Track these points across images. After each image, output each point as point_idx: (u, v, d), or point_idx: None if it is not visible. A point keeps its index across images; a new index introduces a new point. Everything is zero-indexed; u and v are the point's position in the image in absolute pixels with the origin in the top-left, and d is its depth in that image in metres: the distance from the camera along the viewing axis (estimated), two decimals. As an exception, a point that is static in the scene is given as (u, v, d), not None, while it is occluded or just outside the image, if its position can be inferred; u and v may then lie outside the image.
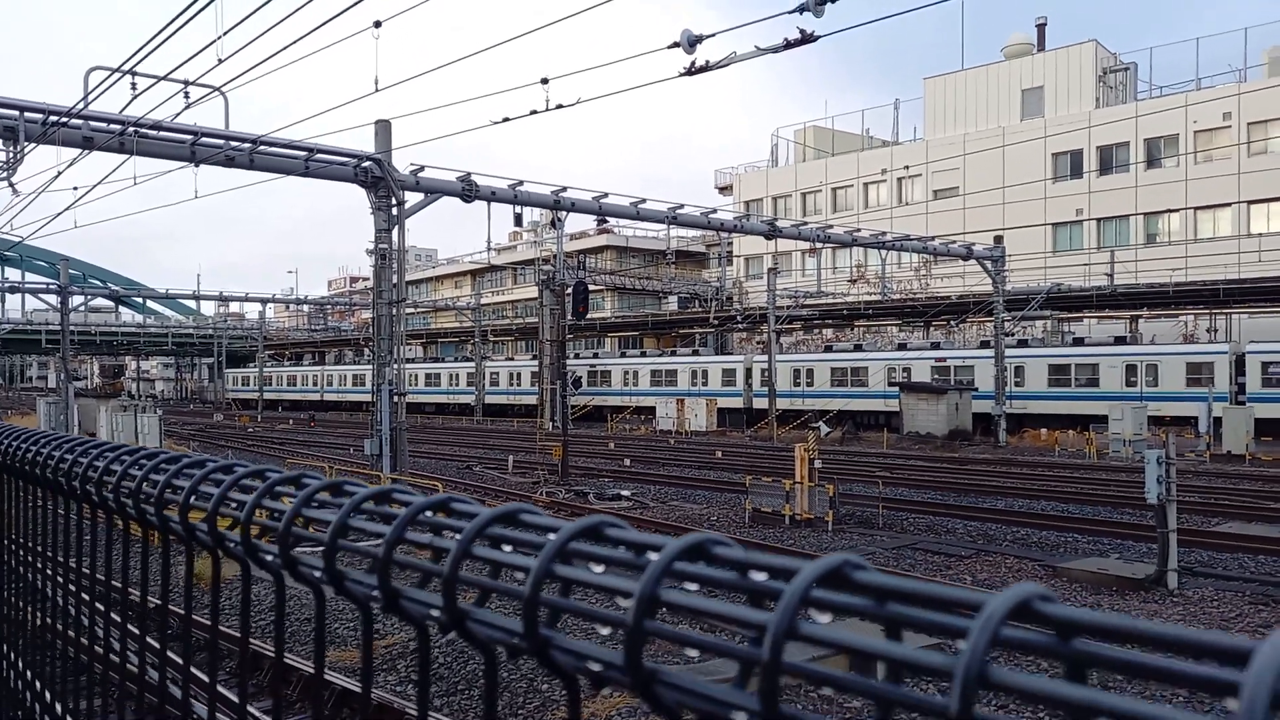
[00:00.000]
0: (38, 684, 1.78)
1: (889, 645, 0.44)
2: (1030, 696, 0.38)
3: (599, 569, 0.56)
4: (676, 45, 13.54)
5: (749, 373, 44.85)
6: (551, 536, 0.56)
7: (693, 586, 0.52)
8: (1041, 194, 47.38)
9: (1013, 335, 37.80)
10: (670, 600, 0.51)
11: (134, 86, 15.88)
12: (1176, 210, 44.68)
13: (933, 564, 13.71)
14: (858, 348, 44.28)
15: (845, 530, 16.19)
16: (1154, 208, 45.35)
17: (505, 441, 36.86)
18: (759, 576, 0.50)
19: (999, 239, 37.50)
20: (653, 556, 0.51)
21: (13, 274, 56.85)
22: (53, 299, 42.29)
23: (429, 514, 0.67)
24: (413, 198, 21.37)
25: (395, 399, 20.98)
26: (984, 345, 38.93)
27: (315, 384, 72.10)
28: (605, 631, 0.55)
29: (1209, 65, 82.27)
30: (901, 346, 42.82)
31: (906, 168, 52.77)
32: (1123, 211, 46.20)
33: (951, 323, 44.82)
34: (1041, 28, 51.56)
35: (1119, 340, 36.66)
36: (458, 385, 59.81)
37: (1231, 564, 13.30)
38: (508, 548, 0.63)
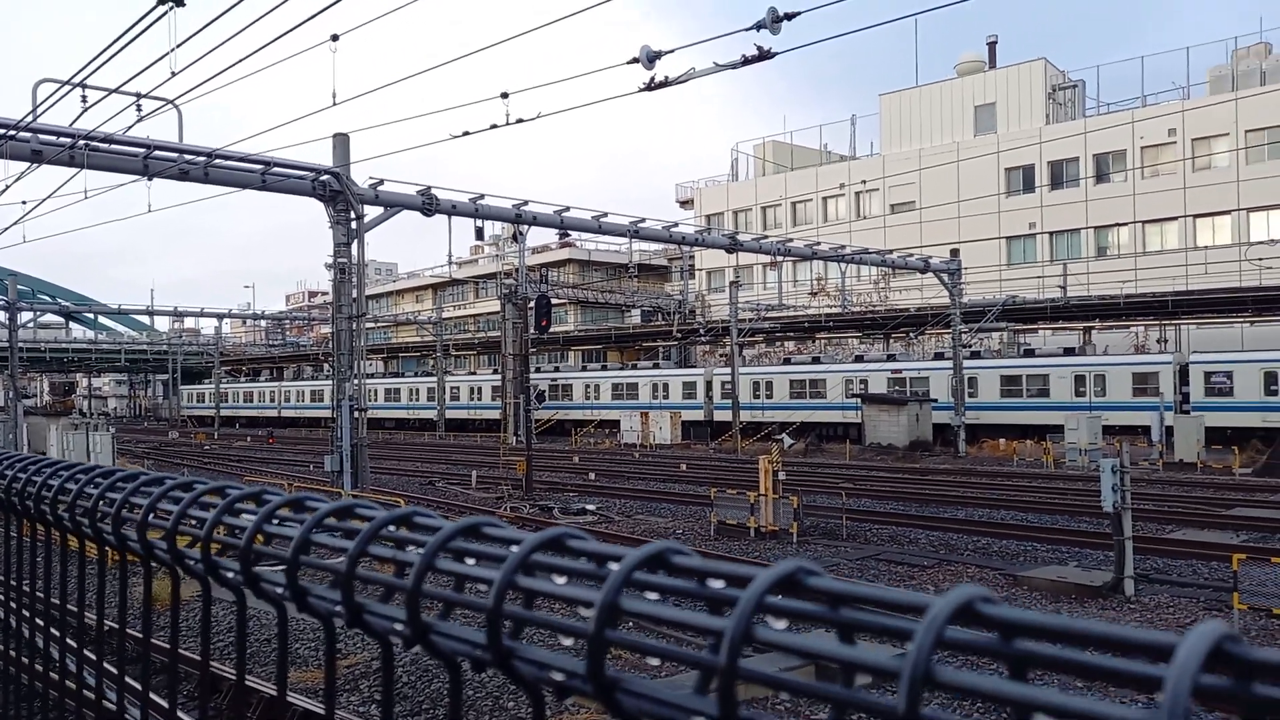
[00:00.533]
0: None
1: (838, 648, 0.45)
2: (975, 694, 0.39)
3: (561, 580, 0.56)
4: (636, 61, 13.63)
5: (709, 385, 45.04)
6: (514, 549, 0.57)
7: (653, 596, 0.53)
8: (995, 208, 48.32)
9: (969, 346, 38.40)
10: (631, 609, 0.52)
11: (84, 99, 15.59)
12: (1125, 224, 45.82)
13: (896, 574, 13.84)
14: (816, 360, 44.71)
15: (810, 542, 16.29)
16: (1104, 221, 46.47)
17: (468, 457, 36.57)
18: (717, 584, 0.51)
19: (955, 252, 38.14)
20: (614, 567, 0.52)
21: (-42, 290, 55.26)
22: (0, 315, 41.24)
23: (392, 528, 0.68)
24: (372, 211, 21.20)
25: (356, 414, 20.74)
26: (939, 356, 39.52)
27: (273, 400, 71.04)
28: (569, 643, 0.56)
29: (1154, 82, 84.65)
30: (859, 359, 43.33)
31: (864, 182, 53.52)
32: (1074, 225, 47.25)
33: (910, 334, 45.43)
34: (992, 46, 52.70)
35: (1068, 351, 37.45)
36: (418, 400, 59.30)
37: (1186, 570, 13.60)
38: (471, 561, 0.63)
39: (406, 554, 0.64)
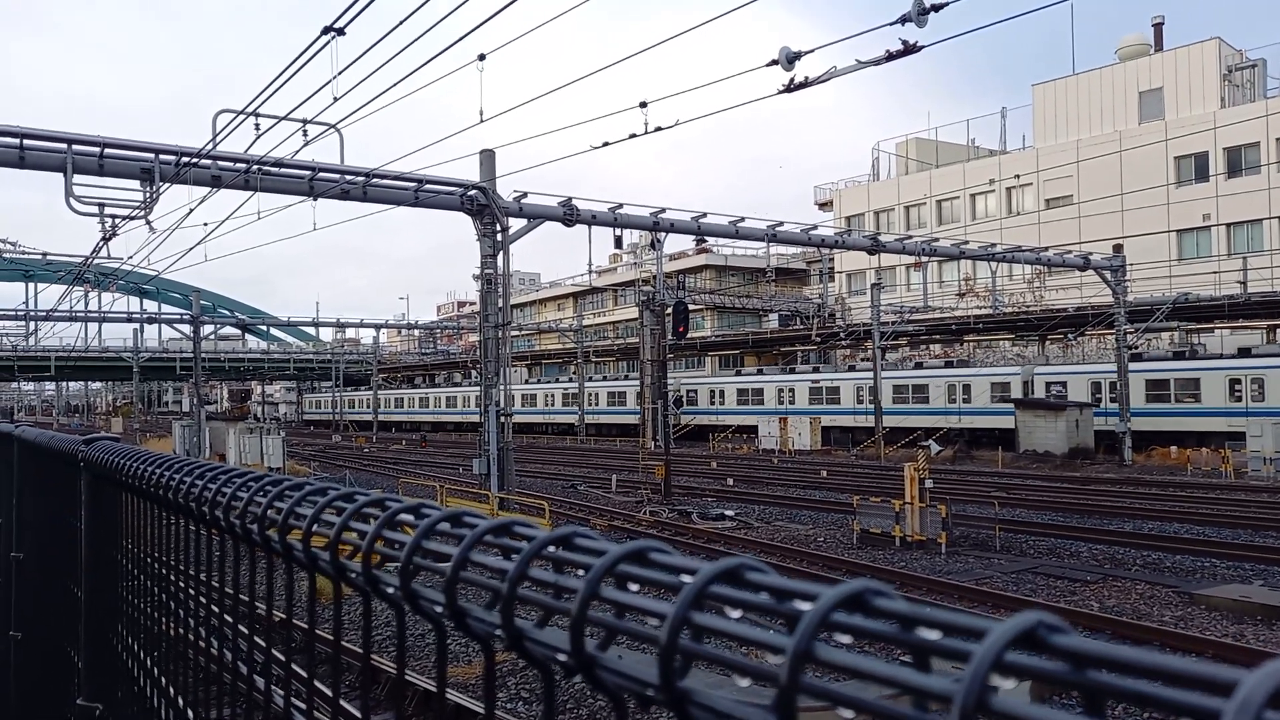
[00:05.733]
0: (171, 690, 1.86)
1: (891, 669, 0.45)
2: None
3: (736, 614, 0.52)
4: (775, 63, 13.46)
5: (858, 391, 43.85)
6: (687, 579, 0.53)
7: (735, 613, 0.55)
8: (1164, 200, 44.95)
9: (1133, 348, 35.85)
10: (706, 624, 0.54)
11: (257, 127, 16.75)
12: (1317, 212, 41.76)
13: (1056, 589, 13.06)
14: (963, 363, 42.76)
15: (960, 553, 15.60)
16: (1291, 210, 42.50)
17: (608, 461, 37.11)
18: (800, 604, 0.52)
19: (1118, 248, 35.77)
20: (806, 606, 0.48)
21: (150, 306, 60.76)
22: (186, 328, 44.97)
23: (552, 549, 0.65)
24: (516, 223, 21.85)
25: (502, 419, 21.40)
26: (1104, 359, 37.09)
27: (429, 406, 74.34)
28: (745, 684, 0.51)
29: (1350, 56, 76.63)
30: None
31: (1016, 177, 50.96)
32: (1255, 215, 43.41)
33: (1068, 336, 42.91)
34: (1159, 27, 49.19)
35: (1243, 352, 34.20)
36: (554, 405, 60.73)
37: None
38: (634, 587, 0.60)
39: (568, 579, 0.61)
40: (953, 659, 0.43)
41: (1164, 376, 34.13)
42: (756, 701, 0.47)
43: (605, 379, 61.23)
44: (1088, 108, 49.36)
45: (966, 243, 32.02)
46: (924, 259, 31.74)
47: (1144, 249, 43.17)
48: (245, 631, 1.42)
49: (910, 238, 33.71)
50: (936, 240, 32.25)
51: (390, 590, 0.78)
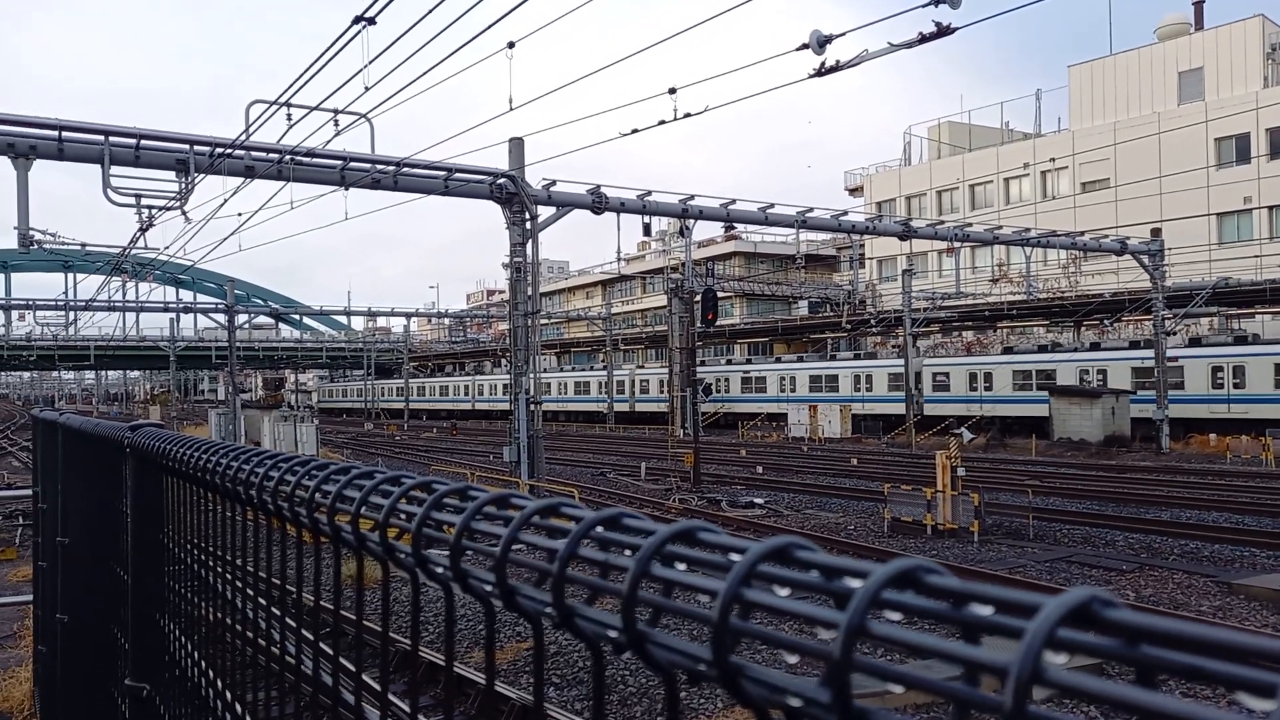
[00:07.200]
0: (210, 673, 1.90)
1: (945, 643, 0.45)
2: (1088, 697, 0.39)
3: (784, 592, 0.53)
4: (805, 47, 13.34)
5: (897, 378, 43.45)
6: (736, 557, 0.54)
7: (784, 591, 0.56)
8: (1204, 182, 44.03)
9: (1173, 333, 35.22)
10: (757, 600, 0.55)
11: (289, 117, 16.93)
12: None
13: (1091, 578, 12.92)
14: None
15: (992, 541, 15.47)
16: (1336, 192, 41.47)
17: (637, 448, 37.18)
18: (852, 581, 0.53)
19: (1156, 232, 35.17)
20: (856, 583, 0.48)
21: (186, 295, 61.73)
22: (221, 318, 45.61)
23: (600, 529, 0.66)
24: (545, 211, 21.89)
25: (531, 407, 21.51)
26: (1134, 345, 36.46)
27: (460, 394, 74.89)
28: (792, 660, 0.52)
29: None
30: (1043, 349, 40.49)
31: (1052, 160, 50.15)
32: (1299, 197, 42.45)
33: (1104, 321, 42.24)
34: (1199, 5, 48.09)
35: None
36: (587, 393, 60.87)
37: None
38: (681, 566, 0.61)
39: (617, 558, 0.62)
40: (1005, 636, 0.44)
41: (1219, 362, 33.55)
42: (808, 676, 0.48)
43: (642, 366, 61.23)
44: (1125, 89, 48.42)
45: (1000, 227, 31.59)
46: (956, 244, 31.37)
47: (1183, 233, 42.35)
48: (290, 615, 1.45)
49: (942, 223, 33.33)
50: (969, 225, 31.85)
51: (439, 570, 0.80)
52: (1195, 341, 35.20)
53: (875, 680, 0.46)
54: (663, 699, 8.09)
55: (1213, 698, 7.04)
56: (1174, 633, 0.39)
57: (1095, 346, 38.41)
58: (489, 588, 0.72)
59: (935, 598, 0.47)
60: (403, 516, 0.89)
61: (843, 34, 12.72)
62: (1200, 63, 45.84)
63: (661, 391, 55.26)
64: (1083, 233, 33.74)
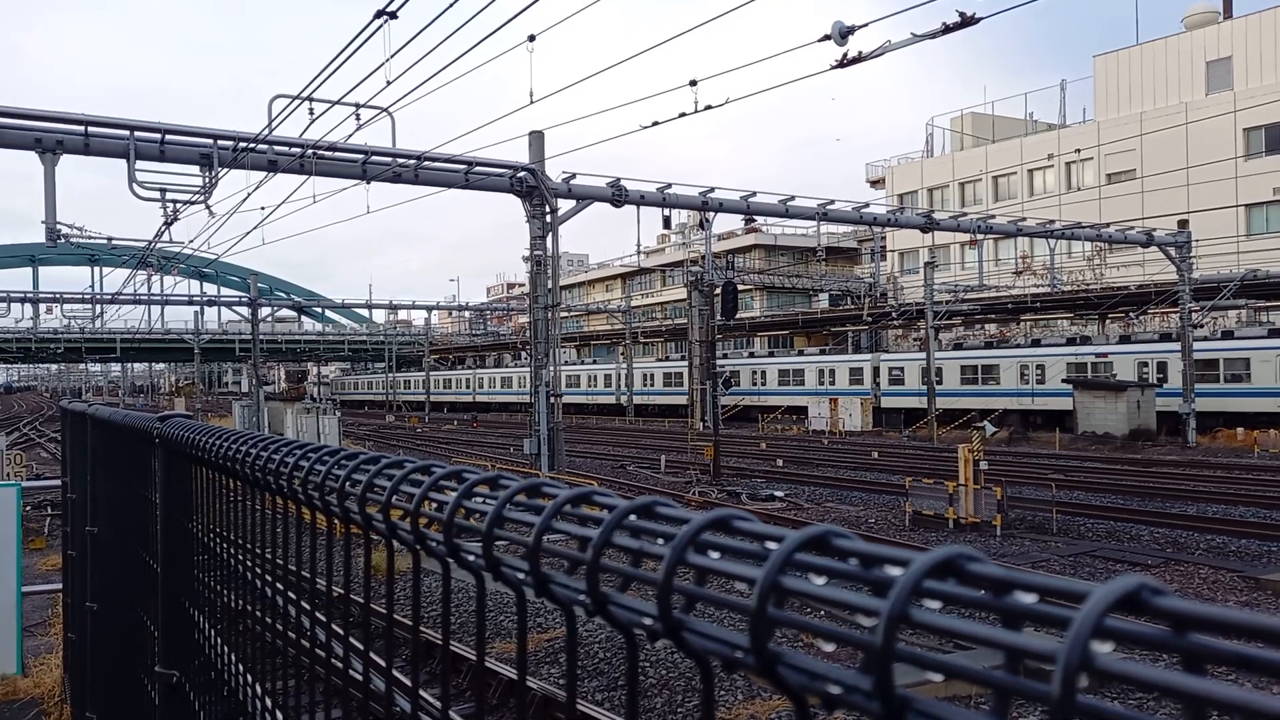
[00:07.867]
0: (239, 663, 1.93)
1: (991, 631, 0.45)
2: (1138, 684, 0.39)
3: (820, 580, 0.53)
4: (827, 38, 13.25)
5: (919, 372, 43.20)
6: (773, 545, 0.54)
7: (820, 580, 0.55)
8: (1232, 173, 43.36)
9: (1199, 326, 34.75)
10: (794, 588, 0.55)
11: (311, 111, 17.01)
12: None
13: (1115, 572, 12.78)
14: (1036, 343, 41.58)
15: (1015, 535, 15.37)
16: (1369, 182, 40.73)
17: (656, 441, 37.20)
18: (891, 569, 0.52)
19: (1183, 223, 34.65)
20: (895, 571, 0.48)
21: (210, 289, 62.30)
22: (244, 311, 46.04)
23: (632, 518, 0.66)
24: (565, 205, 21.92)
25: (552, 400, 21.57)
26: (1164, 337, 36.00)
27: (480, 386, 75.19)
28: (829, 649, 0.52)
29: None
30: (1072, 341, 40.03)
31: (1077, 151, 49.57)
32: (1331, 188, 41.74)
33: (1130, 314, 41.75)
34: (1229, -7, 47.32)
35: (1275, 333, 32.96)
36: (599, 386, 60.91)
37: None
38: (715, 554, 0.61)
39: (651, 546, 0.63)
40: (1049, 625, 0.43)
41: (1212, 357, 33.10)
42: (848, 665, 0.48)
43: (662, 360, 61.22)
44: (1152, 79, 47.76)
45: (1024, 219, 31.29)
46: (979, 237, 31.11)
47: (1210, 224, 41.72)
48: (319, 605, 1.46)
49: (965, 215, 33.05)
50: (993, 217, 31.58)
51: (471, 559, 0.80)
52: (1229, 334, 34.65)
53: (914, 670, 0.46)
54: (683, 692, 8.11)
55: (1264, 686, 6.97)
56: (1226, 620, 0.39)
57: (1125, 339, 37.99)
58: (522, 575, 0.72)
59: (977, 587, 0.47)
60: (433, 505, 0.90)
61: (865, 25, 12.63)
62: (1229, 52, 45.12)
63: (670, 385, 55.23)
64: (1108, 224, 33.39)
